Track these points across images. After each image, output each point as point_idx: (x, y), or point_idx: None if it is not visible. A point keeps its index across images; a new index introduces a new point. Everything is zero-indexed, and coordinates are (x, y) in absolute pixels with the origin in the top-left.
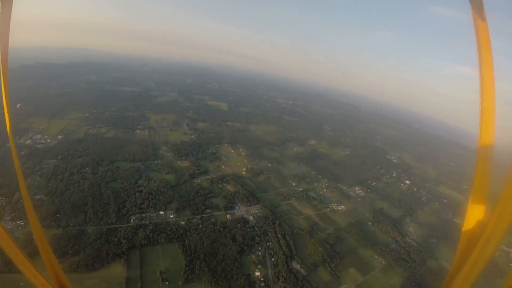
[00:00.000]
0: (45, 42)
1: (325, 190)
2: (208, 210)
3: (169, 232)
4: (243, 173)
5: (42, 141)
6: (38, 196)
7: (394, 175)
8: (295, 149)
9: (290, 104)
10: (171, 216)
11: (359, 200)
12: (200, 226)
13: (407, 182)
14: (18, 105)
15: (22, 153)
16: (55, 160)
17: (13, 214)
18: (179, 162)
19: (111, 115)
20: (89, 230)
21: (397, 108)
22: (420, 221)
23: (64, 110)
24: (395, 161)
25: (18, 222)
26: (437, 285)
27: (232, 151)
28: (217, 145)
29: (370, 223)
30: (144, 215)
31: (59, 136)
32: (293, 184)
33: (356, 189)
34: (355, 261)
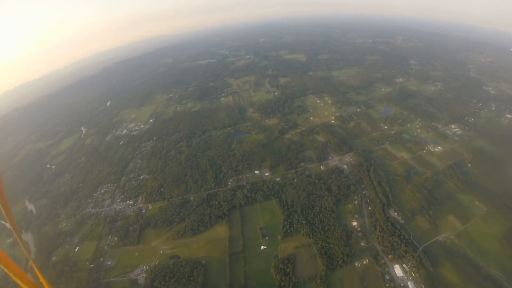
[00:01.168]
0: (118, 43)
1: (419, 131)
2: (302, 164)
3: (265, 190)
4: (332, 121)
5: (136, 128)
6: (142, 176)
7: (494, 108)
8: (383, 89)
9: (370, 43)
10: (266, 174)
11: (457, 139)
12: (295, 180)
13: (509, 116)
14: (108, 103)
15: (121, 142)
16: (151, 142)
17: (122, 196)
18: (267, 120)
19: (194, 90)
20: (191, 198)
21: (489, 30)
22: None
23: (150, 96)
24: (493, 92)
25: (128, 202)
26: None
27: (318, 101)
28: (302, 98)
29: (470, 164)
30: (240, 176)
31: (151, 120)
32: (385, 127)
33: (453, 127)
34: (454, 207)
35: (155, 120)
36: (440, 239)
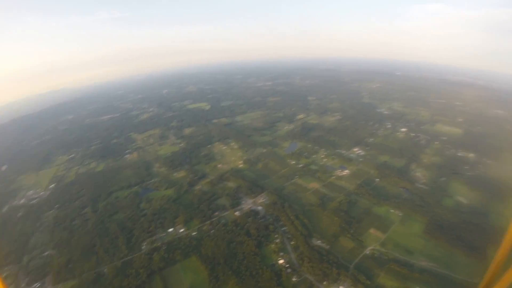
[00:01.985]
0: (12, 97)
1: (325, 160)
2: (216, 213)
3: (183, 247)
4: (241, 165)
5: (35, 195)
6: (46, 252)
7: (389, 126)
8: (286, 127)
9: (270, 85)
10: (181, 230)
11: (361, 160)
12: (212, 231)
13: (403, 129)
14: (4, 168)
15: (20, 214)
16: (53, 211)
17: (27, 279)
18: (175, 174)
19: (97, 148)
20: (105, 270)
21: (374, 60)
22: (425, 164)
23: (50, 157)
24: (386, 112)
25: (34, 285)
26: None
27: (224, 147)
28: (208, 146)
29: (377, 179)
30: (154, 237)
31: (51, 186)
32: (292, 162)
33: (355, 149)
34: (372, 220)
35: (56, 185)
36: (367, 252)
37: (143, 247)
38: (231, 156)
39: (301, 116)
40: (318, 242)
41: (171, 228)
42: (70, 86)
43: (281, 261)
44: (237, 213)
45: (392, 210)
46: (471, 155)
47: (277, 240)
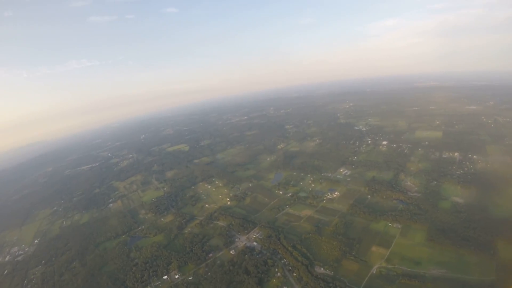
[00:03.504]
0: None
1: (313, 185)
2: (210, 255)
3: None
4: (228, 203)
5: (20, 252)
6: None
7: (370, 141)
8: (268, 159)
9: (246, 120)
10: (176, 277)
11: (349, 179)
12: (209, 273)
13: (384, 142)
14: None
15: (5, 271)
16: (40, 266)
17: None
18: (162, 219)
19: (79, 199)
20: None
21: (344, 81)
22: (414, 172)
23: (32, 211)
24: (364, 129)
25: None
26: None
27: (209, 186)
28: (193, 187)
29: (369, 196)
30: (149, 287)
31: (36, 241)
32: (280, 192)
33: (342, 170)
34: (373, 238)
35: (40, 239)
36: (374, 272)
37: None
38: (217, 195)
39: (281, 145)
40: (321, 270)
41: (165, 275)
42: (47, 138)
43: None
44: (232, 252)
45: (390, 224)
46: (456, 154)
47: (278, 274)
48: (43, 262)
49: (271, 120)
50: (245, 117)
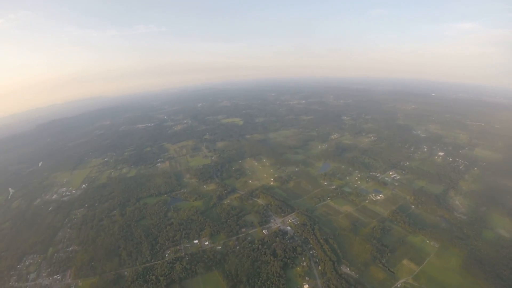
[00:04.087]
0: (55, 100)
1: (359, 182)
2: (243, 229)
3: (206, 261)
4: (272, 183)
5: (67, 193)
6: (71, 248)
7: (426, 149)
8: (319, 147)
9: (303, 104)
10: (206, 243)
11: (396, 184)
12: (238, 247)
13: (441, 153)
14: (40, 164)
15: (50, 208)
16: (82, 209)
17: (49, 270)
18: (205, 186)
19: (130, 154)
20: (126, 272)
21: (409, 81)
22: (464, 191)
23: (84, 158)
24: (422, 135)
25: (55, 276)
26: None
27: (256, 163)
28: (240, 161)
29: (413, 206)
30: (178, 247)
31: (83, 185)
32: (325, 183)
33: (391, 173)
34: (407, 251)
35: (88, 185)
36: (398, 285)
37: (166, 255)
38: (262, 173)
39: (335, 136)
40: (347, 270)
41: (196, 239)
42: (108, 94)
43: (306, 286)
44: (264, 232)
45: (428, 241)
46: None
47: (304, 264)
48: (86, 205)
49: (329, 109)
50: (303, 101)
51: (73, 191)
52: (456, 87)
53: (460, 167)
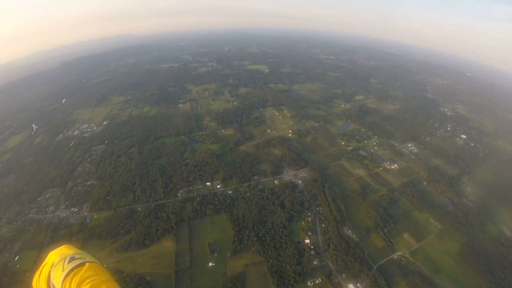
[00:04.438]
0: (81, 38)
1: (376, 148)
2: (255, 177)
3: (216, 203)
4: (289, 135)
5: (88, 129)
6: (89, 182)
7: (449, 128)
8: (342, 106)
9: (333, 60)
10: (218, 186)
11: (413, 157)
12: (248, 194)
13: (463, 136)
14: (63, 100)
15: (71, 143)
16: (102, 145)
17: (67, 203)
18: (223, 130)
19: (153, 94)
20: (139, 208)
21: (446, 55)
22: (478, 180)
23: (107, 96)
24: (449, 113)
25: (73, 209)
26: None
27: (277, 113)
28: (261, 109)
29: (425, 182)
30: (191, 187)
31: (104, 122)
32: (342, 143)
33: (409, 145)
34: (409, 225)
35: (109, 122)
36: (395, 257)
37: (178, 195)
38: (281, 124)
39: (360, 97)
40: (349, 232)
41: (209, 182)
42: (136, 33)
43: (307, 241)
44: (276, 182)
45: (432, 220)
46: None
47: (309, 219)
48: (106, 142)
49: (358, 69)
50: (333, 57)
51: (94, 128)
52: (494, 73)
53: (480, 155)
